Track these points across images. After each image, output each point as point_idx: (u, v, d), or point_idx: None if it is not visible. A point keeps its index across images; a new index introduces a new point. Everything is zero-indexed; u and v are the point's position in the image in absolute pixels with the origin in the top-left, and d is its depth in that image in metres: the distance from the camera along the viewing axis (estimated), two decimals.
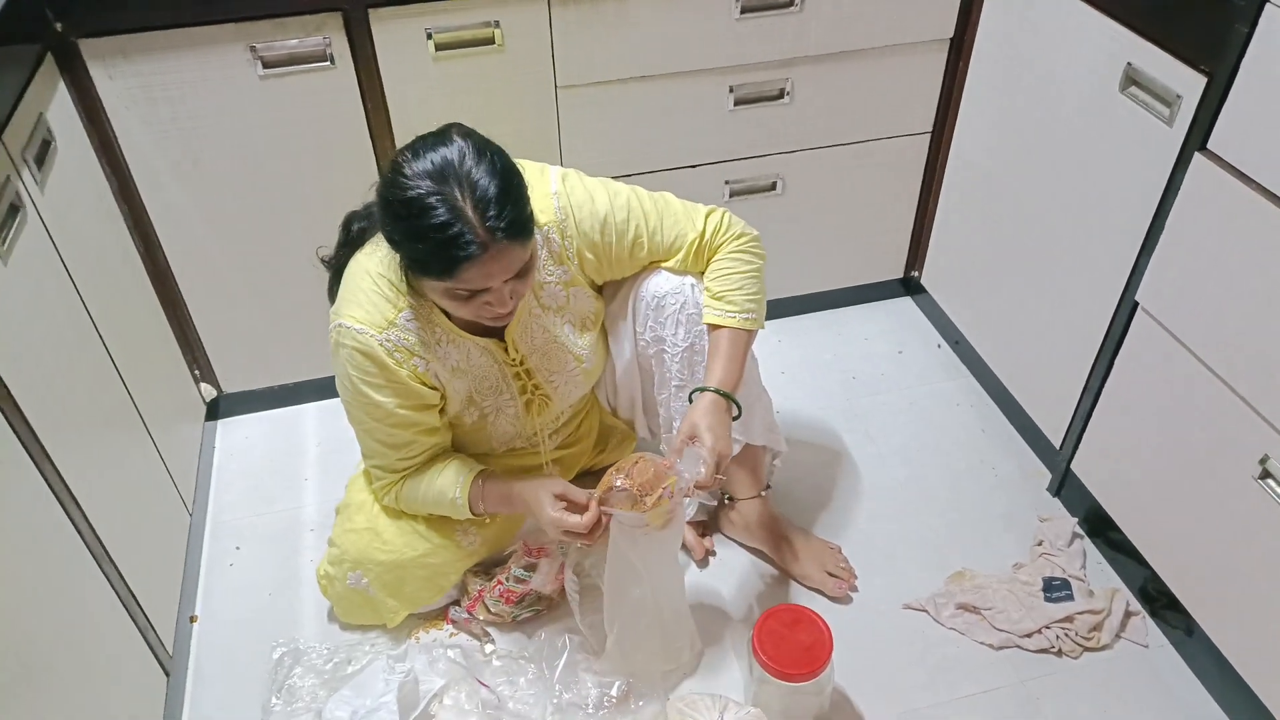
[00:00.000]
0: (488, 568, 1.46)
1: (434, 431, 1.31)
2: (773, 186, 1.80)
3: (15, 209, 1.12)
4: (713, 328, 1.29)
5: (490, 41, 1.48)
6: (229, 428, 1.84)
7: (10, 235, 1.10)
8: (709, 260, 1.31)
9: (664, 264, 1.31)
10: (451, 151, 1.06)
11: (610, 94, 1.59)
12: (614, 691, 1.33)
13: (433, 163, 1.05)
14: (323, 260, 1.33)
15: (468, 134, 1.10)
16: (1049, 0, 1.43)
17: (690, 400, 1.29)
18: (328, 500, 1.66)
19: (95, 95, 1.40)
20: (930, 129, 1.80)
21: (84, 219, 1.36)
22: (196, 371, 1.76)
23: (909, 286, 2.09)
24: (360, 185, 1.46)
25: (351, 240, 1.28)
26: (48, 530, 1.07)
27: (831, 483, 1.69)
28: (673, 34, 1.55)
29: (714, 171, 1.75)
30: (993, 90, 1.63)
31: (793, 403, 1.83)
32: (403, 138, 1.54)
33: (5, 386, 1.01)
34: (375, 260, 1.21)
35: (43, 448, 1.07)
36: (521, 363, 1.31)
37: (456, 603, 1.46)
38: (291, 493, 1.71)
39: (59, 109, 1.33)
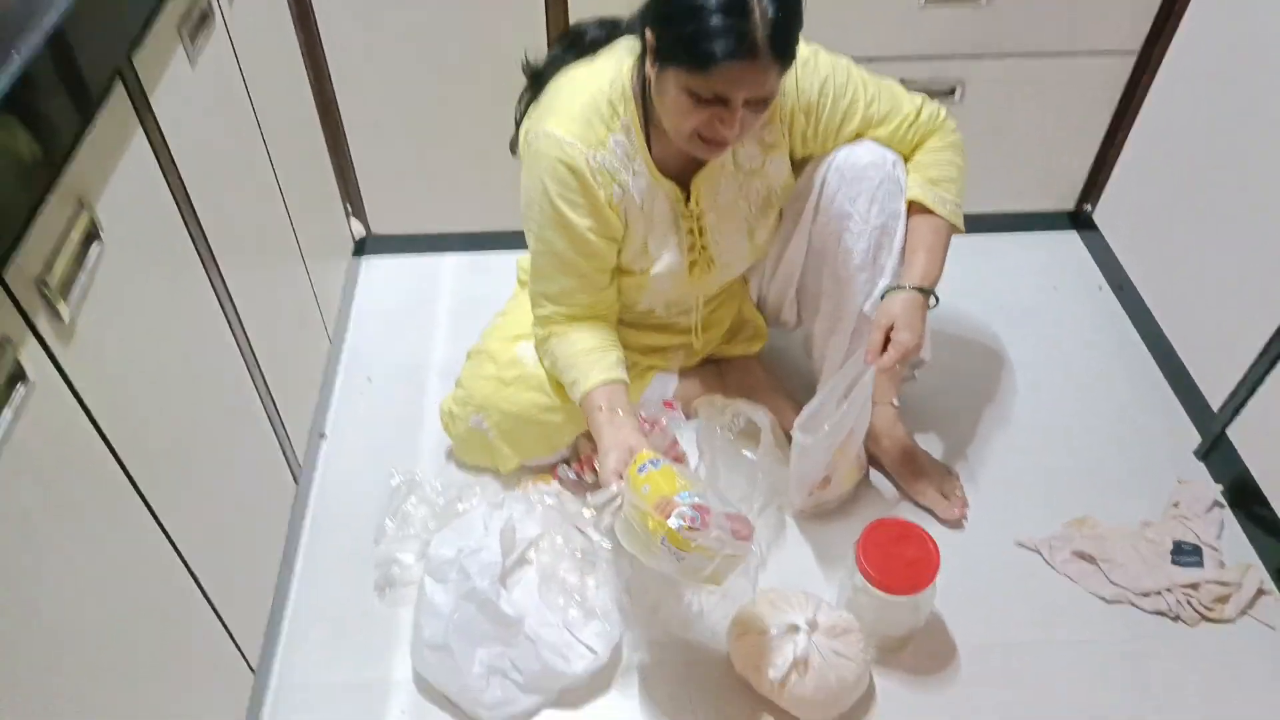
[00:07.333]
0: None
1: (609, 273, 1.30)
2: (951, 92, 1.68)
3: (206, 16, 1.15)
4: (918, 210, 1.25)
5: None
6: (372, 266, 1.90)
7: (201, 41, 1.13)
8: (916, 144, 1.28)
9: (870, 134, 1.27)
10: None
11: None
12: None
13: None
14: (527, 64, 1.28)
15: None
16: None
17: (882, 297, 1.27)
18: (457, 349, 1.70)
19: None
20: (1139, 47, 1.64)
21: (264, 38, 1.39)
22: (349, 206, 1.82)
23: (1077, 220, 1.95)
24: (528, 46, 1.44)
25: (575, 48, 1.24)
26: (210, 330, 1.13)
27: (960, 409, 1.63)
28: None
29: (890, 68, 1.61)
30: (1227, 9, 1.46)
31: (932, 323, 1.74)
32: (574, 6, 1.50)
33: (185, 189, 1.06)
34: (604, 79, 1.19)
35: (213, 254, 1.13)
36: (698, 219, 1.29)
37: (566, 462, 1.50)
38: (424, 337, 1.76)
39: None
